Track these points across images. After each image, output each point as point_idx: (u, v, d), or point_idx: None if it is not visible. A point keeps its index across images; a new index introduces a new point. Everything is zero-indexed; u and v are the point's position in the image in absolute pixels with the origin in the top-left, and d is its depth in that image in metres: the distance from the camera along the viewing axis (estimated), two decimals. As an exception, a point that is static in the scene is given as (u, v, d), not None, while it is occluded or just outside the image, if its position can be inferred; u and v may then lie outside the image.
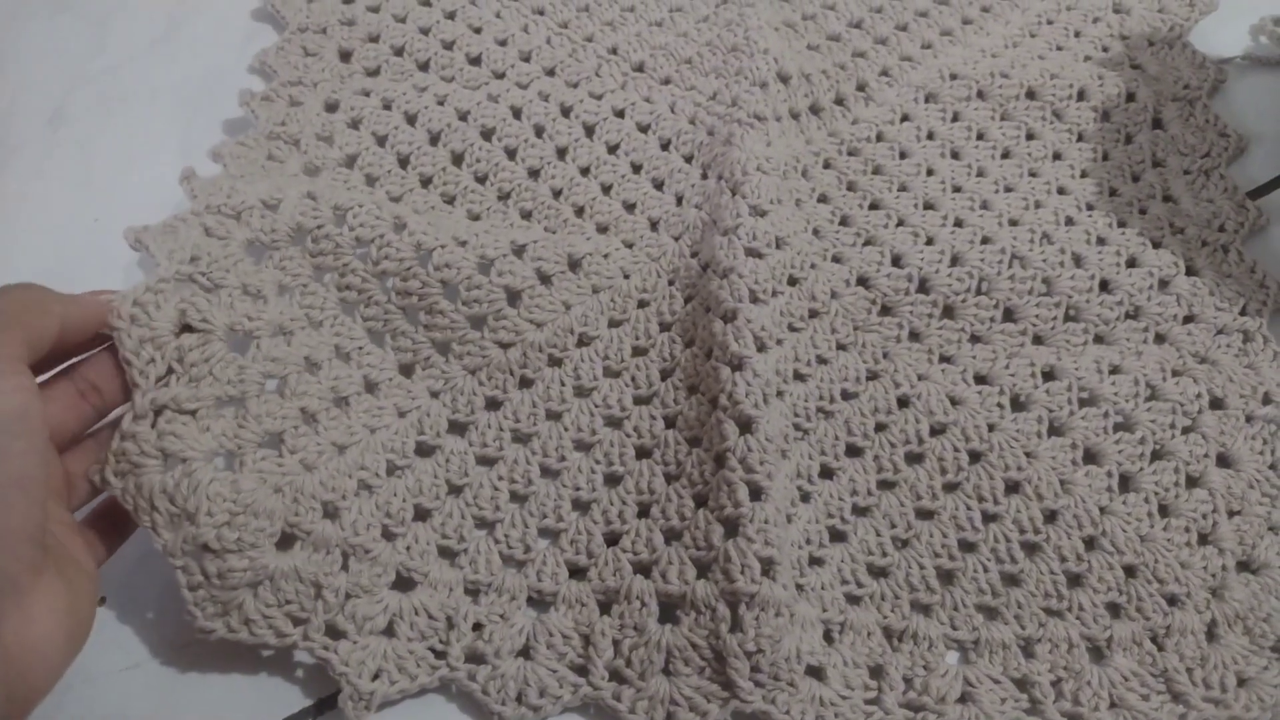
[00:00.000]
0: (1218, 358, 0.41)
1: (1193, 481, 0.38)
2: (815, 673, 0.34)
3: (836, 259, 0.43)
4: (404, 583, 0.35)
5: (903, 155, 0.47)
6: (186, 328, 0.33)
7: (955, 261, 0.42)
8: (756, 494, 0.35)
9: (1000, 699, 0.34)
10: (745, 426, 0.36)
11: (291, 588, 0.33)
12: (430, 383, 0.39)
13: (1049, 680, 0.34)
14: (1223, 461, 0.38)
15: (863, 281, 0.42)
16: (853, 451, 0.38)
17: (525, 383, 0.39)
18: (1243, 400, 0.39)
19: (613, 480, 0.38)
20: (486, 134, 0.46)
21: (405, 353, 0.39)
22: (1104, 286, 0.42)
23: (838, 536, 0.37)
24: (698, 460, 0.37)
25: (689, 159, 0.46)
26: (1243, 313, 0.42)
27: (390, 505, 0.36)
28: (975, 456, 0.38)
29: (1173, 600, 0.35)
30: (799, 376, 0.39)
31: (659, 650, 0.34)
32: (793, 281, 0.41)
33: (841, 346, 0.41)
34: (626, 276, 0.42)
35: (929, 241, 0.43)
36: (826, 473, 0.38)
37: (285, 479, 0.34)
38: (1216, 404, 0.39)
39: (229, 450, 0.33)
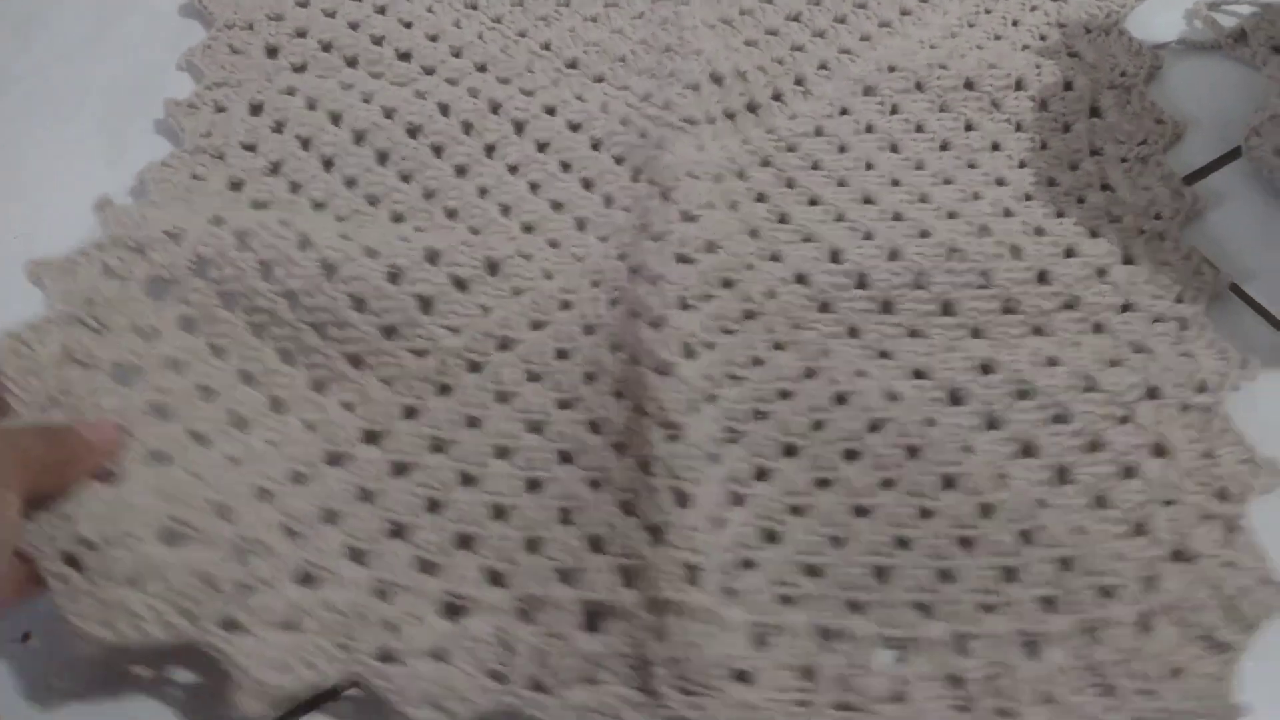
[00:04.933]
0: (1154, 346, 0.41)
1: (1129, 472, 0.38)
2: (743, 677, 0.33)
3: (775, 258, 0.42)
4: (310, 580, 0.35)
5: (842, 149, 0.47)
6: (72, 362, 0.34)
7: (894, 256, 0.42)
8: (683, 501, 0.35)
9: (932, 697, 0.34)
10: (672, 433, 0.36)
11: (180, 580, 0.32)
12: (343, 396, 0.38)
13: (981, 676, 0.34)
14: (1158, 451, 0.38)
15: (801, 279, 0.42)
16: (789, 451, 0.38)
17: (444, 390, 0.39)
18: (1178, 389, 0.39)
19: (534, 487, 0.37)
20: (413, 131, 0.45)
21: (318, 369, 0.39)
22: (1042, 277, 0.42)
23: (772, 538, 0.37)
24: (623, 467, 0.37)
25: (620, 160, 0.46)
26: (1179, 300, 0.42)
27: (292, 508, 0.35)
28: (913, 452, 0.38)
29: (1107, 592, 0.35)
30: (733, 379, 0.39)
31: (581, 659, 0.33)
32: (727, 284, 0.41)
33: (779, 346, 0.40)
34: (549, 277, 0.42)
35: (868, 236, 0.43)
36: (762, 474, 0.38)
37: (172, 485, 0.33)
38: (1152, 393, 0.39)
39: (111, 472, 0.33)
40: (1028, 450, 0.38)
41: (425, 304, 0.40)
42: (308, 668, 0.33)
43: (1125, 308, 0.42)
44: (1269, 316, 0.43)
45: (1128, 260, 0.43)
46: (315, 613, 0.34)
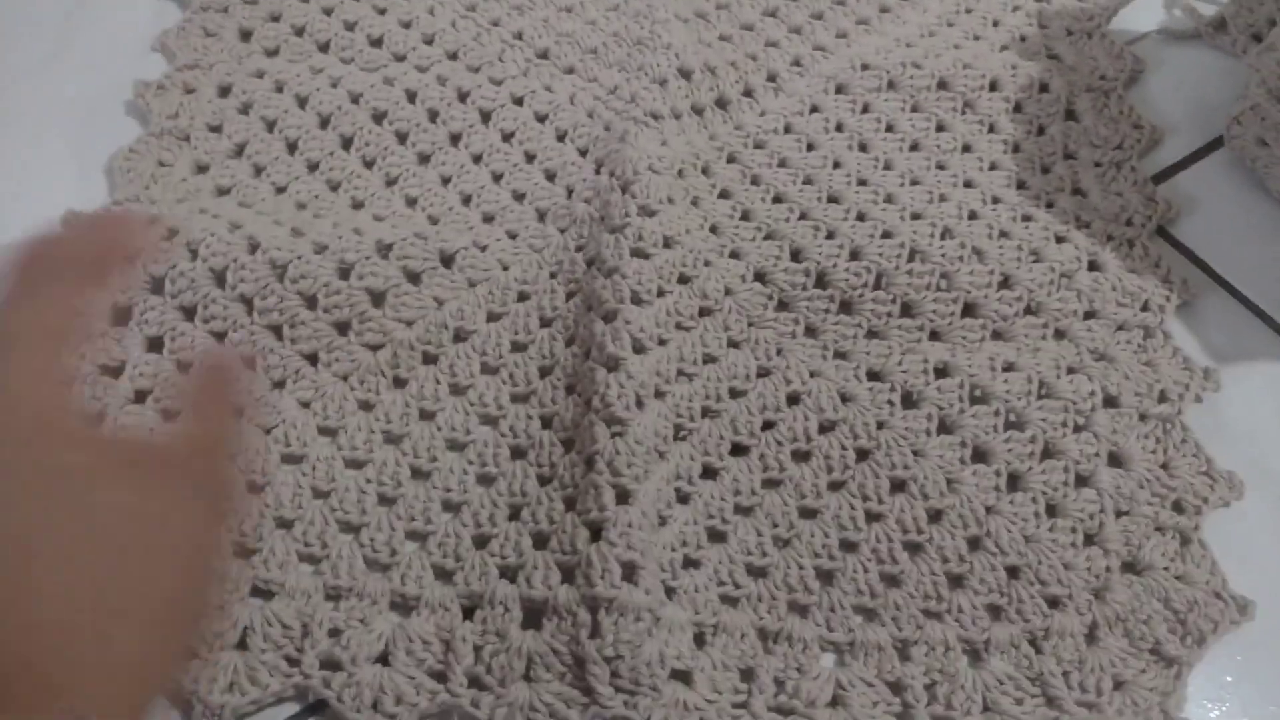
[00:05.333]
0: (1116, 354, 0.40)
1: (1082, 481, 0.37)
2: (682, 676, 0.33)
3: (735, 254, 0.42)
4: (262, 594, 0.35)
5: (810, 147, 0.46)
6: None
7: (854, 256, 0.42)
8: (624, 498, 0.34)
9: (872, 702, 0.33)
10: (616, 429, 0.35)
11: None
12: (300, 394, 0.38)
13: (922, 684, 0.33)
14: (1114, 461, 0.38)
15: (760, 277, 0.41)
16: (738, 450, 0.38)
17: (399, 383, 0.39)
18: (1138, 399, 0.39)
19: (485, 481, 0.37)
20: (378, 117, 0.45)
21: (275, 369, 0.39)
22: (1004, 282, 0.41)
23: (717, 537, 0.36)
24: (570, 463, 0.36)
25: (584, 152, 0.46)
26: (1144, 308, 0.41)
27: (244, 524, 0.35)
28: (862, 455, 0.38)
29: (1054, 602, 0.35)
30: (684, 375, 0.39)
31: (520, 656, 0.33)
32: (684, 280, 0.41)
33: (734, 344, 0.40)
34: (505, 268, 0.41)
35: (829, 235, 0.42)
36: (709, 472, 0.37)
37: None
38: (1110, 402, 0.39)
39: None
40: (979, 456, 0.38)
41: (377, 298, 0.40)
42: (255, 685, 0.33)
43: (1089, 315, 0.41)
44: (1255, 309, 0.43)
45: (1093, 266, 0.42)
46: (264, 629, 0.34)
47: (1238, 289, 0.44)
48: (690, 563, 0.35)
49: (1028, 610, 0.35)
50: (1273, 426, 0.40)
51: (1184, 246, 0.45)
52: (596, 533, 0.34)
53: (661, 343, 0.39)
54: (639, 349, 0.38)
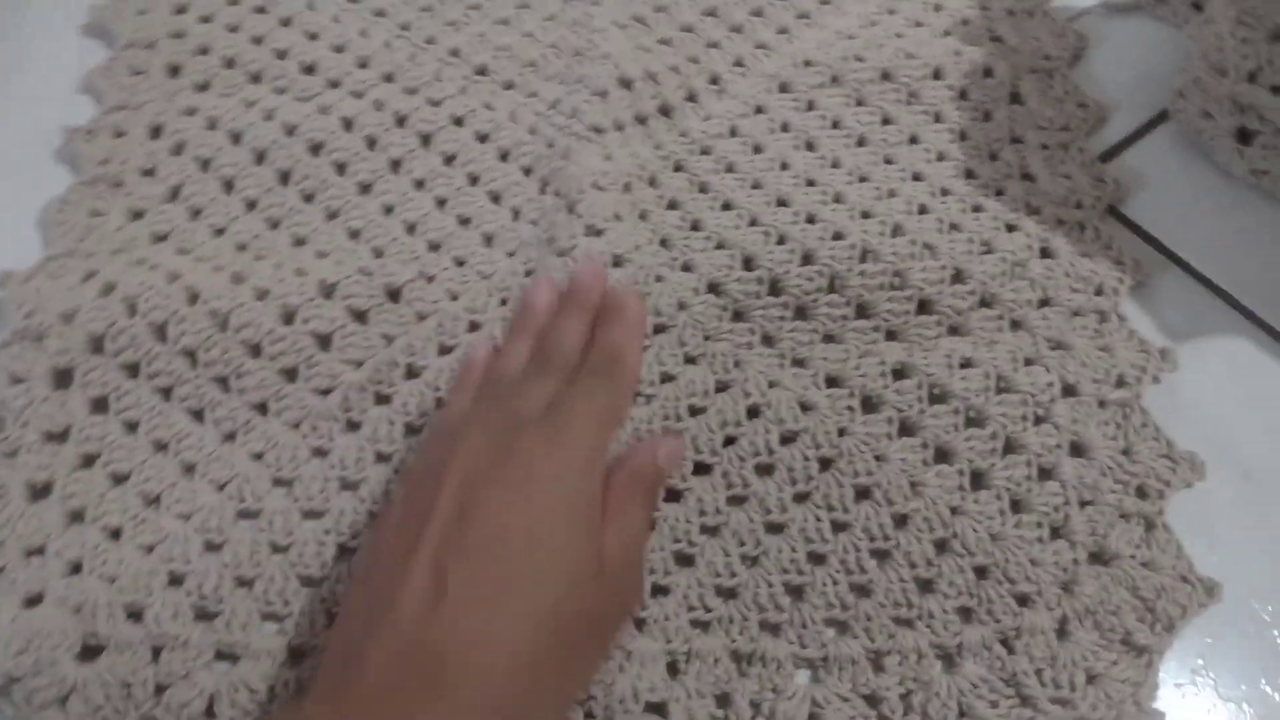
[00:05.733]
0: (1072, 342, 0.40)
1: (1045, 474, 0.37)
2: (657, 709, 0.33)
3: (687, 267, 0.42)
4: (226, 659, 0.34)
5: (756, 150, 0.45)
6: None
7: (806, 260, 0.41)
8: None
9: (849, 717, 0.33)
10: None
11: (100, 693, 0.33)
12: (252, 446, 0.38)
13: (898, 694, 0.33)
14: (1075, 450, 0.38)
15: (713, 288, 0.41)
16: (700, 470, 0.37)
17: (352, 426, 0.38)
18: (1096, 385, 0.39)
19: None
20: (315, 149, 0.44)
21: (225, 422, 0.38)
22: (957, 276, 0.41)
23: (684, 561, 0.36)
24: None
25: (528, 171, 0.45)
26: (1098, 292, 0.41)
27: (204, 587, 0.35)
28: (825, 464, 0.37)
29: (1023, 600, 0.35)
30: (642, 397, 0.38)
31: None
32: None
33: (690, 360, 0.39)
34: (454, 298, 0.41)
35: (780, 241, 0.42)
36: (673, 495, 0.37)
37: (84, 597, 0.34)
38: (1069, 391, 0.39)
39: (35, 594, 0.35)
40: (941, 456, 0.38)
41: (323, 340, 0.39)
42: None
43: (1043, 303, 0.41)
44: (1209, 284, 0.43)
45: (1046, 253, 0.42)
46: (230, 695, 0.33)
47: (1190, 264, 0.44)
48: (659, 590, 0.35)
49: (998, 610, 0.35)
50: (1231, 403, 0.40)
51: (1134, 224, 0.45)
52: None
53: None
54: None
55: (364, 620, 0.29)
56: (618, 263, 0.41)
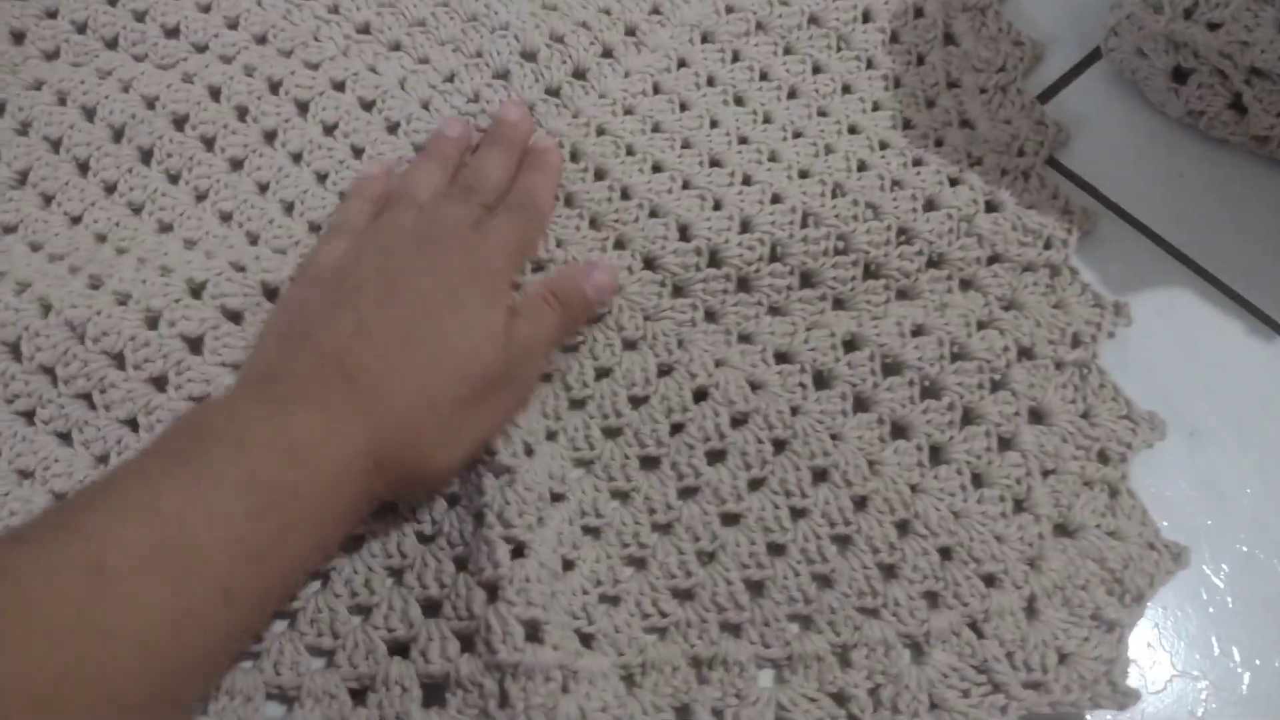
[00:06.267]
0: (1025, 300, 0.38)
1: (1005, 444, 0.35)
2: (613, 730, 0.30)
3: (619, 243, 0.38)
4: None
5: (683, 107, 0.42)
6: None
7: (745, 227, 0.38)
8: (519, 551, 0.31)
9: (816, 719, 0.31)
10: (505, 478, 0.32)
11: None
12: None
13: (866, 690, 0.32)
14: (1034, 417, 0.36)
15: (649, 263, 0.38)
16: (648, 463, 0.34)
17: None
18: (1051, 346, 0.37)
19: (354, 542, 0.33)
20: (179, 122, 0.39)
21: (95, 443, 0.34)
22: (903, 236, 0.38)
23: (636, 564, 0.33)
24: (457, 519, 0.32)
25: (420, 149, 0.40)
26: (1048, 245, 0.39)
27: None
28: (780, 446, 0.35)
29: (990, 580, 0.33)
30: (575, 404, 0.35)
31: None
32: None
33: (630, 345, 0.36)
34: None
35: (717, 206, 0.39)
36: (620, 495, 0.34)
37: None
38: (1025, 354, 0.37)
39: None
40: (899, 432, 0.35)
41: (194, 344, 0.35)
42: None
43: (993, 259, 0.39)
44: (1148, 232, 0.42)
45: (991, 206, 0.40)
46: None
47: (1126, 211, 0.42)
48: (608, 600, 0.32)
49: (964, 593, 0.33)
50: (1176, 356, 0.39)
51: (1069, 170, 0.43)
52: (493, 592, 0.31)
53: (545, 379, 0.35)
54: None
55: (283, 347, 0.32)
56: (538, 268, 0.37)
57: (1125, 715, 0.32)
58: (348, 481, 0.29)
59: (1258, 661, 0.33)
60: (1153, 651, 0.33)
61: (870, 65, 0.44)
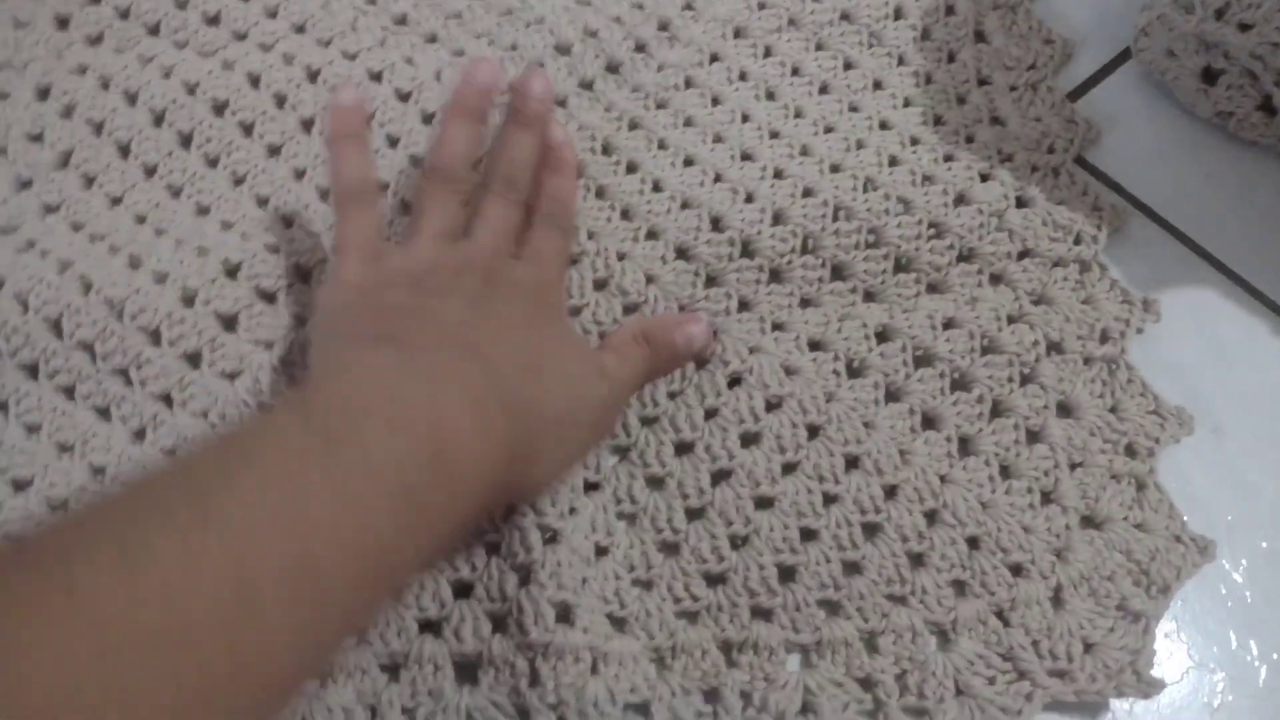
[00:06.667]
0: (1055, 295, 0.38)
1: (1033, 436, 0.36)
2: (640, 710, 0.31)
3: (651, 234, 0.39)
4: None
5: (715, 102, 0.42)
6: None
7: (777, 220, 0.39)
8: (552, 538, 0.31)
9: (843, 704, 0.32)
10: None
11: None
12: (162, 442, 0.34)
13: (893, 676, 0.32)
14: (1063, 410, 0.36)
15: (682, 253, 0.38)
16: (682, 449, 0.35)
17: (265, 411, 0.35)
18: (1080, 341, 0.37)
19: None
20: (218, 108, 0.40)
21: (132, 419, 0.34)
22: (934, 230, 0.39)
23: (669, 549, 0.34)
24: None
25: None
26: (1077, 241, 0.40)
27: None
28: (813, 431, 0.35)
29: (1017, 569, 0.34)
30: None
31: (459, 714, 0.30)
32: (599, 286, 0.37)
33: None
34: None
35: (749, 199, 0.39)
36: (655, 482, 0.34)
37: None
38: (1054, 348, 0.37)
39: None
40: (929, 423, 0.36)
41: (228, 322, 0.36)
42: None
43: (1023, 254, 0.39)
44: (1174, 231, 0.42)
45: (1022, 202, 0.40)
46: None
47: (1154, 210, 0.43)
48: (640, 584, 0.33)
49: (991, 582, 0.33)
50: (1201, 354, 0.39)
51: (1097, 169, 0.43)
52: (525, 576, 0.31)
53: None
54: None
55: (402, 327, 0.31)
56: (571, 260, 0.38)
57: (1142, 705, 0.33)
58: (483, 490, 0.27)
59: (1275, 655, 0.34)
60: (1170, 643, 0.34)
61: (901, 62, 0.44)
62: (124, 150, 0.40)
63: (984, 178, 0.40)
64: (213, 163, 0.40)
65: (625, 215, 0.39)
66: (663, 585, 0.33)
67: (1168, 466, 0.36)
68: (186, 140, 0.40)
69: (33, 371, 0.35)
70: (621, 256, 0.38)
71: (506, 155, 0.36)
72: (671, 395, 0.36)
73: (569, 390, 0.31)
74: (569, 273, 0.37)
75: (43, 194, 0.39)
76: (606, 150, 0.41)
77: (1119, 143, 0.44)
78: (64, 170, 0.39)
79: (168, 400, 0.35)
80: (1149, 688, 0.32)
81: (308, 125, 0.41)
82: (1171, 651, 0.34)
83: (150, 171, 0.40)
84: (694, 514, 0.34)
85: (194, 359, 0.35)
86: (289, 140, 0.40)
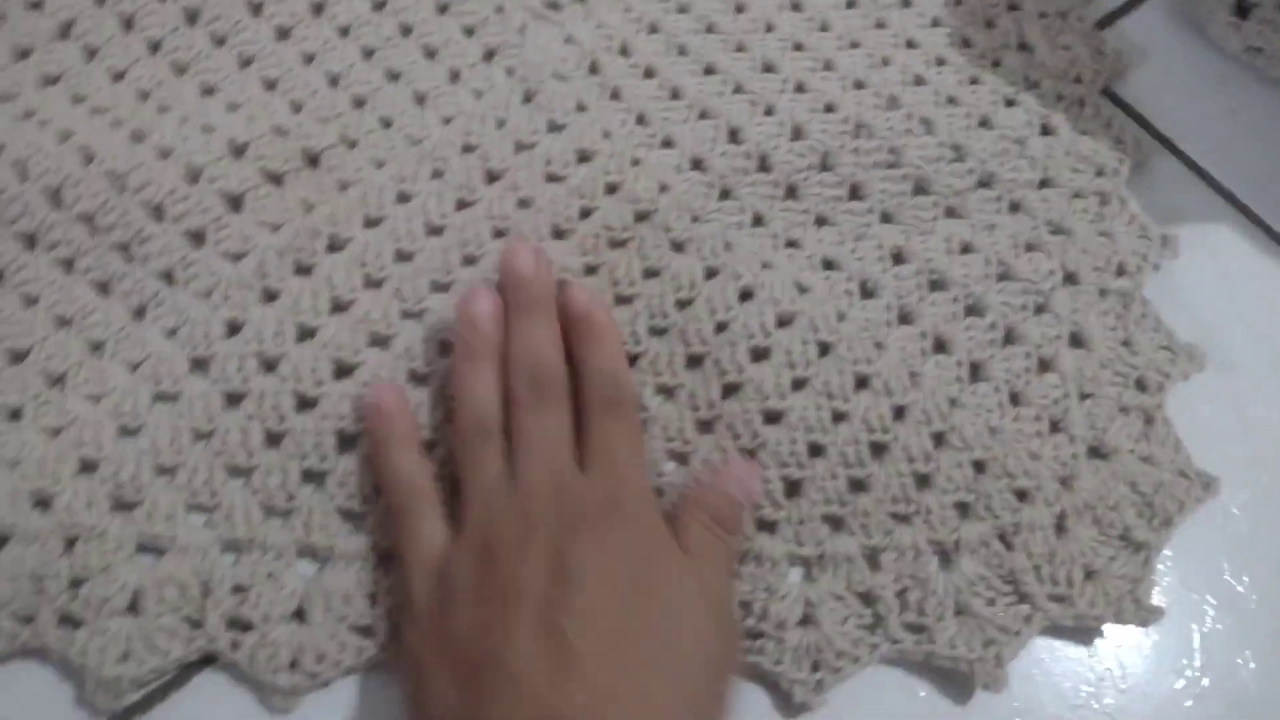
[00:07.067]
0: (1073, 226, 0.38)
1: (1044, 365, 0.35)
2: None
3: (667, 142, 0.38)
4: (149, 553, 0.31)
5: (739, 10, 0.41)
6: None
7: (797, 134, 0.38)
8: None
9: (842, 618, 0.32)
10: None
11: (8, 587, 0.29)
12: (164, 322, 0.33)
13: (893, 592, 0.32)
14: (1075, 341, 0.36)
15: (697, 164, 0.37)
16: (692, 362, 0.34)
17: (269, 296, 0.34)
18: (1097, 273, 0.37)
19: None
20: None
21: (133, 295, 0.34)
22: (956, 153, 0.38)
23: (679, 458, 0.33)
24: None
25: (470, 32, 0.40)
26: (1099, 173, 0.39)
27: (120, 475, 0.31)
28: (824, 349, 0.35)
29: (1022, 495, 0.33)
30: (623, 300, 0.35)
31: None
32: (611, 190, 0.37)
33: (678, 246, 0.36)
34: (379, 166, 0.36)
35: (769, 112, 0.38)
36: (666, 392, 0.34)
37: None
38: (1070, 279, 0.37)
39: None
40: (940, 346, 0.35)
41: (234, 202, 0.35)
42: (154, 653, 0.30)
43: (1043, 183, 0.39)
44: (1195, 168, 0.41)
45: (1046, 130, 0.39)
46: (157, 590, 0.30)
47: (1177, 145, 0.42)
48: (655, 490, 0.32)
49: (996, 506, 0.33)
50: (1215, 292, 0.39)
51: (1123, 102, 0.43)
52: None
53: (591, 271, 0.35)
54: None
55: (462, 689, 0.26)
56: (583, 159, 0.37)
57: (1132, 628, 0.33)
58: None
59: (1266, 586, 0.34)
60: (1163, 569, 0.34)
61: (931, -21, 0.43)
62: (127, 24, 0.39)
63: (1009, 103, 0.40)
64: (220, 42, 0.39)
65: (641, 121, 0.38)
66: (670, 496, 0.32)
67: (1177, 402, 0.36)
68: (193, 16, 0.39)
69: (30, 242, 0.34)
70: (635, 162, 0.37)
71: (522, 352, 0.31)
72: (681, 305, 0.35)
73: (676, 671, 0.27)
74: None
75: (42, 64, 0.38)
76: (624, 52, 0.40)
77: (1146, 76, 0.43)
78: (65, 41, 0.38)
79: (169, 278, 0.34)
80: (1148, 614, 0.32)
81: (318, 10, 0.39)
82: (1162, 580, 0.34)
83: (154, 47, 0.38)
84: (702, 425, 0.34)
85: (197, 237, 0.34)
86: (298, 23, 0.39)
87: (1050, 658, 0.32)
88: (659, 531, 0.30)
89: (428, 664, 0.27)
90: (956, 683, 0.32)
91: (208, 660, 0.31)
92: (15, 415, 0.32)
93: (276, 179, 0.35)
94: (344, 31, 0.39)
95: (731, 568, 0.31)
